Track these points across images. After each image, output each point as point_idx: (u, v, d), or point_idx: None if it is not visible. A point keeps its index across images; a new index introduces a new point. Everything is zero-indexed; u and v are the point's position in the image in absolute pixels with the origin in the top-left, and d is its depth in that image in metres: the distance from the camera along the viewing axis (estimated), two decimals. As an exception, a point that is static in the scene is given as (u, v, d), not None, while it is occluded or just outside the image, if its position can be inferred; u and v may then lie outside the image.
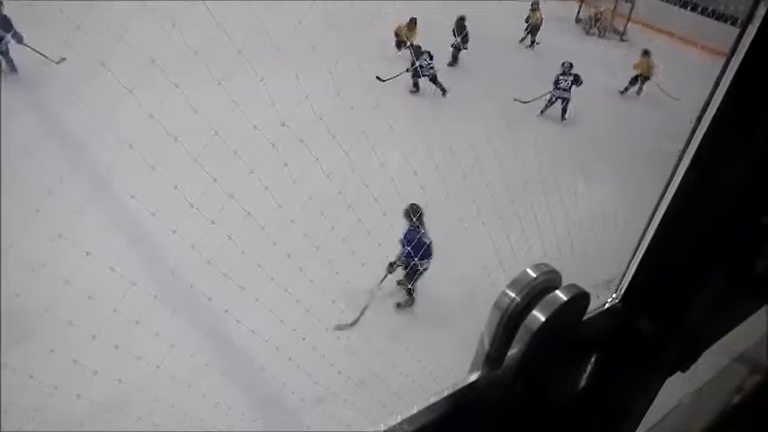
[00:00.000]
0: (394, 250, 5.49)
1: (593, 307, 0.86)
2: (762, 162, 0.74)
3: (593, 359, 0.83)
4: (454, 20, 11.28)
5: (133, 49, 3.70)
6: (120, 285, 3.65)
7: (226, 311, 4.33)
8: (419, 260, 5.46)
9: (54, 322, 3.67)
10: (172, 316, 4.39)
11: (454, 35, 11.03)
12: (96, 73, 3.43)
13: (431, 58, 9.92)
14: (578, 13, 15.64)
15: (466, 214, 5.34)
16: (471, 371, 0.68)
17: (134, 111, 3.59)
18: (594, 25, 15.01)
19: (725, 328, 1.14)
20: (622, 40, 15.06)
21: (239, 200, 3.62)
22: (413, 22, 10.95)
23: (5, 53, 8.49)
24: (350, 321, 5.38)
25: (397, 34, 11.27)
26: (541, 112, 10.06)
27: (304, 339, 4.21)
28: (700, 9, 13.21)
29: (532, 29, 13.22)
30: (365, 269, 4.90)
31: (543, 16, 13.22)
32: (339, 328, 5.27)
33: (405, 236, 5.45)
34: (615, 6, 15.30)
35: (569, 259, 4.60)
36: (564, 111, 9.98)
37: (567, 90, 9.82)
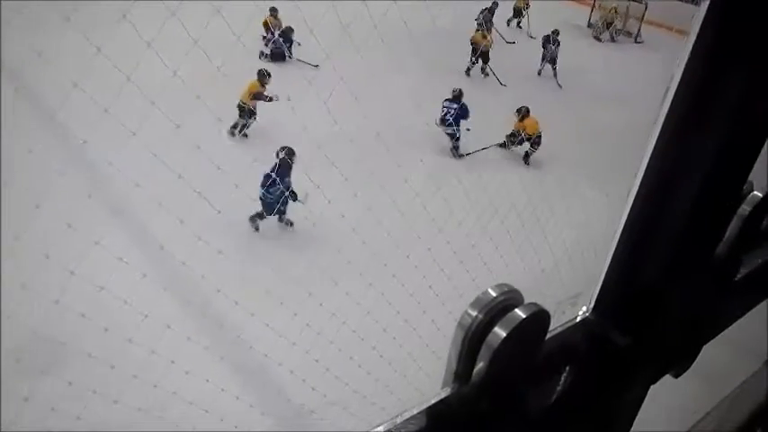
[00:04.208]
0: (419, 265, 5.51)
1: (566, 320, 0.87)
2: (722, 150, 0.73)
3: (565, 372, 0.84)
4: None
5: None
6: (137, 314, 3.77)
7: (238, 336, 4.44)
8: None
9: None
10: (186, 341, 4.50)
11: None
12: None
13: None
14: (590, 17, 15.51)
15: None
16: (443, 387, 0.70)
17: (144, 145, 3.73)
18: (606, 29, 14.83)
19: (715, 329, 1.12)
20: (636, 42, 14.88)
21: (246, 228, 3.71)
22: None
23: None
24: None
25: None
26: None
27: (317, 361, 4.28)
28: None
29: (481, 54, 11.10)
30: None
31: (493, 39, 11.44)
32: None
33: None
34: (627, 8, 15.12)
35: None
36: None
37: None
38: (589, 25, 15.31)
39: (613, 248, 0.85)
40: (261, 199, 6.38)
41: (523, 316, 0.67)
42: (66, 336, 3.90)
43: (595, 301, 0.89)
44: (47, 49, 5.74)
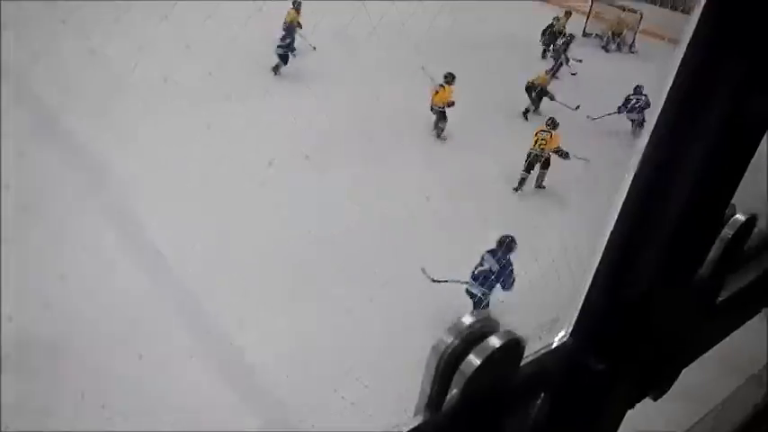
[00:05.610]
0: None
1: (543, 345, 0.86)
2: (706, 173, 0.74)
3: (541, 398, 0.83)
4: None
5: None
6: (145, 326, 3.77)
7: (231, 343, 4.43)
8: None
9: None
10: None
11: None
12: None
13: None
14: (585, 27, 15.53)
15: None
16: (415, 414, 0.70)
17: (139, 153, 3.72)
18: (613, 40, 14.86)
19: (695, 352, 1.11)
20: (631, 51, 14.97)
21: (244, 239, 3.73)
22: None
23: None
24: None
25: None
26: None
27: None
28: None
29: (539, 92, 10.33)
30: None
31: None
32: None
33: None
34: (623, 18, 15.20)
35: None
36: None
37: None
38: (584, 34, 15.29)
39: (593, 271, 0.84)
40: (472, 296, 5.31)
41: (498, 344, 0.67)
42: (59, 337, 3.89)
43: (573, 326, 0.88)
44: (47, 50, 5.72)
